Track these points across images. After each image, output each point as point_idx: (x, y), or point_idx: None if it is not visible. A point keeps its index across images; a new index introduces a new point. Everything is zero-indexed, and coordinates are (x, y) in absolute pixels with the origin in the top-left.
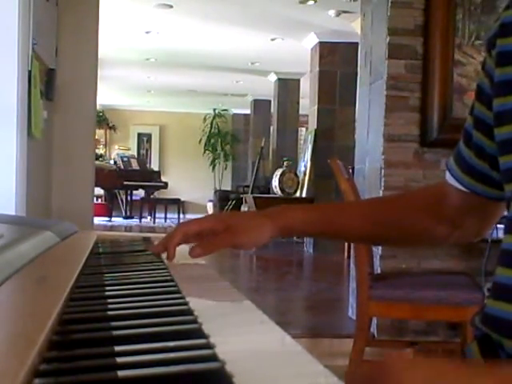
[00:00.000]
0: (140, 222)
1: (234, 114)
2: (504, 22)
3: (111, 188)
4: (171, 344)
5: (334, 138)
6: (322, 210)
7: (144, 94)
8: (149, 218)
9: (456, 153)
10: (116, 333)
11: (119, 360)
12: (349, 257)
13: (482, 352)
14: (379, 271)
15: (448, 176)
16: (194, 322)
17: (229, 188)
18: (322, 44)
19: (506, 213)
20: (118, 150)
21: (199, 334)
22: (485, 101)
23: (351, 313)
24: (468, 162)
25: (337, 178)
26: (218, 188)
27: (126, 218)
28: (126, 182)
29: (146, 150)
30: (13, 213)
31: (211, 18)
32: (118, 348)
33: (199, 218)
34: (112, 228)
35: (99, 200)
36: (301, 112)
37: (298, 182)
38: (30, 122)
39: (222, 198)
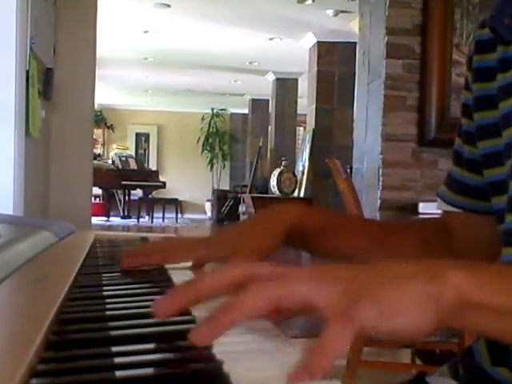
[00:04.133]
0: (138, 221)
1: (232, 114)
2: (478, 39)
3: (109, 188)
4: (168, 344)
5: (332, 138)
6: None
7: (142, 93)
8: (147, 217)
9: (446, 179)
10: (114, 333)
11: (117, 360)
12: None
13: (489, 350)
14: None
15: (440, 204)
16: (192, 322)
17: (227, 188)
18: (320, 44)
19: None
20: (116, 150)
21: None
22: (472, 116)
23: None
24: (461, 181)
25: (335, 177)
26: (216, 188)
27: (123, 217)
28: (123, 182)
29: (144, 150)
30: (10, 212)
31: (209, 17)
32: (115, 348)
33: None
34: (110, 228)
35: (97, 200)
36: (299, 112)
37: (296, 182)
38: (28, 122)
39: (219, 197)
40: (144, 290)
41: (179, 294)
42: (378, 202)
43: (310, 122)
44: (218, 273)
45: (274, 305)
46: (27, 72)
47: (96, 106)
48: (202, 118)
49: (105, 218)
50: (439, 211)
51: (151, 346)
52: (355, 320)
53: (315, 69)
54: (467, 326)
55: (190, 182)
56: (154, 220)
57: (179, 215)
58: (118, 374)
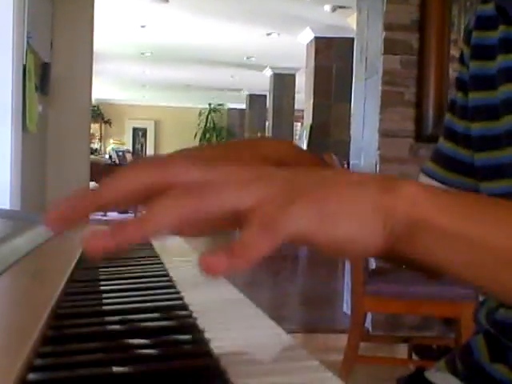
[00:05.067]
0: (135, 216)
1: (230, 109)
2: (479, 15)
3: None
4: (166, 339)
5: (330, 133)
6: None
7: (139, 88)
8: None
9: (435, 156)
10: (111, 327)
11: (114, 355)
12: None
13: (488, 346)
14: (374, 266)
15: (425, 181)
16: (189, 316)
17: None
18: (317, 39)
19: None
20: (113, 145)
21: (194, 328)
22: (466, 91)
23: (346, 308)
24: (455, 158)
25: None
26: None
27: (121, 212)
28: None
29: (141, 145)
30: (7, 207)
31: (207, 12)
32: (112, 343)
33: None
34: (107, 222)
35: None
36: (296, 107)
37: None
38: (25, 116)
39: None
40: (141, 285)
41: (75, 202)
42: None
43: (308, 118)
44: (123, 177)
45: (191, 218)
46: (24, 66)
47: (93, 101)
48: (200, 114)
49: (101, 213)
50: None
51: (148, 340)
52: (283, 223)
53: (313, 64)
54: (418, 253)
55: None
56: None
57: None
58: (116, 368)
